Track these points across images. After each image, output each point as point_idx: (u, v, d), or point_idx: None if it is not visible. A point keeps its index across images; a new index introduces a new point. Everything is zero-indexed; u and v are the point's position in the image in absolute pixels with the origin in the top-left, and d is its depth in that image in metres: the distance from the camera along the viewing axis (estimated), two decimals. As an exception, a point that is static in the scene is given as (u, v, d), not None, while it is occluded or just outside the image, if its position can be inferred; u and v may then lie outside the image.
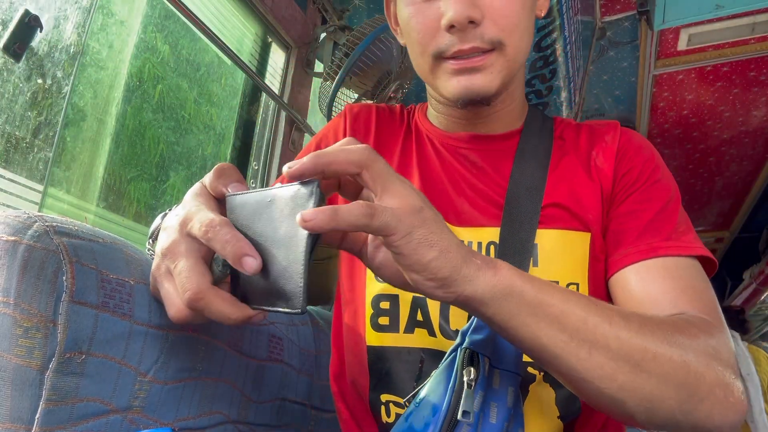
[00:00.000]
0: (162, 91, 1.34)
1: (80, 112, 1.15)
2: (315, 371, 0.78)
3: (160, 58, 1.34)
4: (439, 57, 0.62)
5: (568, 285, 0.63)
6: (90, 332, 0.44)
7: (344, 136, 0.75)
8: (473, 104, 0.65)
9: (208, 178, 0.47)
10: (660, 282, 0.56)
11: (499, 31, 0.61)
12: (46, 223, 0.44)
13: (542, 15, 0.70)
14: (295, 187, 0.41)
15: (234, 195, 0.45)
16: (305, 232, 0.39)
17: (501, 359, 0.55)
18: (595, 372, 0.45)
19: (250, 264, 0.40)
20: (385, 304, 0.65)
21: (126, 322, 0.47)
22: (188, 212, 0.44)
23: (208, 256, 0.44)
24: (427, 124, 0.76)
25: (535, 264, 0.63)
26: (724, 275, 4.38)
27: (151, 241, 0.55)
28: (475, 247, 0.66)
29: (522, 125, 0.73)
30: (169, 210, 0.54)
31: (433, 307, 0.63)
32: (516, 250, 0.62)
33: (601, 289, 0.65)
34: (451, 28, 0.60)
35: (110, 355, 0.46)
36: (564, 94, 1.67)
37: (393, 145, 0.75)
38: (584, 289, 0.63)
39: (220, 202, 0.46)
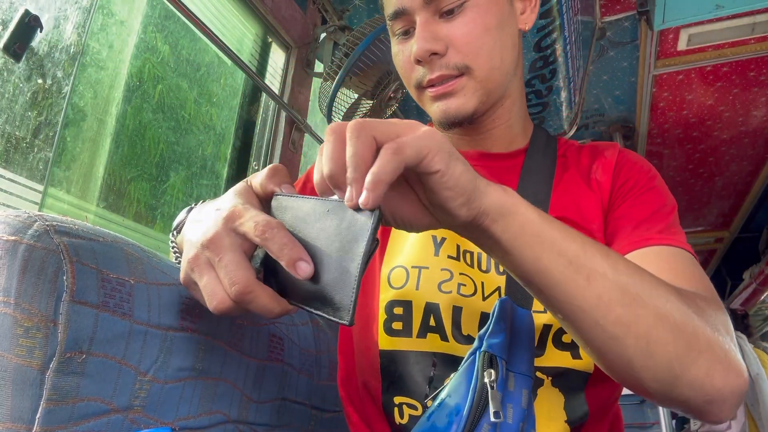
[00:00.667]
0: (162, 91, 1.34)
1: (80, 112, 1.15)
2: (315, 371, 0.78)
3: (160, 58, 1.34)
4: (419, 87, 0.69)
5: None
6: (90, 332, 0.44)
7: None
8: (458, 125, 0.69)
9: (258, 177, 0.48)
10: (655, 267, 0.56)
11: (463, 57, 0.66)
12: (47, 223, 0.44)
13: (527, 28, 0.73)
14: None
15: (285, 196, 0.46)
16: (362, 250, 0.40)
17: (515, 363, 0.56)
18: (593, 301, 0.45)
19: (304, 269, 0.41)
20: (398, 310, 0.67)
21: (126, 322, 0.47)
22: (235, 208, 0.45)
23: (249, 252, 0.45)
24: None
25: None
26: (724, 275, 4.38)
27: (175, 233, 0.57)
28: (484, 257, 0.68)
29: (527, 144, 0.77)
30: (195, 205, 0.56)
31: (446, 312, 0.65)
32: None
33: None
34: (418, 62, 0.67)
35: (110, 354, 0.46)
36: (564, 94, 1.67)
37: None
38: None
39: (263, 203, 0.48)
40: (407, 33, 0.69)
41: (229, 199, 0.47)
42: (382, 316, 0.68)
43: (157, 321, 0.50)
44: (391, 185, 0.40)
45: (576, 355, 0.64)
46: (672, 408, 0.52)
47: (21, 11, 0.93)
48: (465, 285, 0.67)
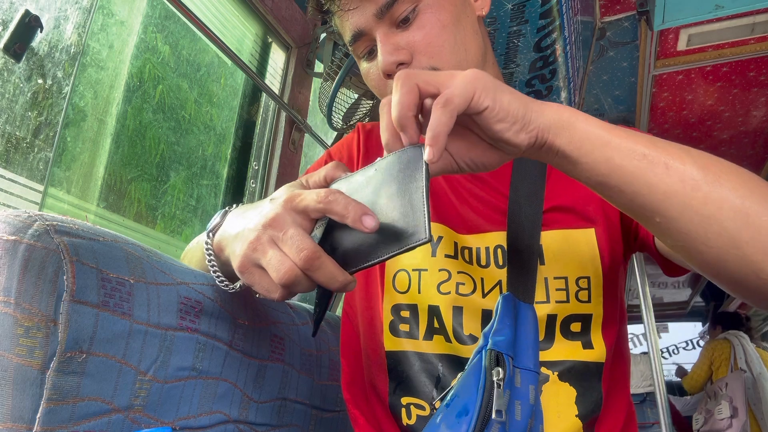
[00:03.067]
0: (162, 91, 1.34)
1: (81, 113, 1.15)
2: (316, 371, 0.78)
3: (161, 58, 1.34)
4: None
5: (577, 279, 0.64)
6: (91, 331, 0.44)
7: (357, 151, 0.80)
8: None
9: (322, 171, 0.53)
10: None
11: (429, 59, 0.65)
12: (47, 222, 0.44)
13: (485, 13, 0.73)
14: (398, 153, 0.48)
15: (342, 179, 0.52)
16: (422, 176, 0.45)
17: (521, 359, 0.57)
18: (677, 185, 0.44)
19: (369, 222, 0.44)
20: (405, 313, 0.68)
21: (126, 321, 0.47)
22: (291, 193, 0.48)
23: (308, 230, 0.48)
24: None
25: (542, 262, 0.65)
26: (724, 275, 4.37)
27: (210, 234, 0.57)
28: (483, 252, 0.68)
29: None
30: (230, 208, 0.58)
31: (446, 314, 0.66)
32: (522, 251, 0.64)
33: (615, 280, 0.66)
34: (388, 76, 0.66)
35: (111, 354, 0.46)
36: (564, 95, 1.67)
37: None
38: (597, 282, 0.65)
39: None
40: (372, 52, 0.69)
41: (283, 190, 0.50)
42: (387, 318, 0.68)
43: (156, 321, 0.50)
44: (452, 135, 0.45)
45: (587, 344, 0.64)
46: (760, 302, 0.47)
47: (21, 11, 0.93)
48: (464, 284, 0.67)
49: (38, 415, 0.41)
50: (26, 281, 0.42)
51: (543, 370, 0.62)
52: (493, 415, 0.50)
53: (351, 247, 0.47)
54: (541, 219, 0.66)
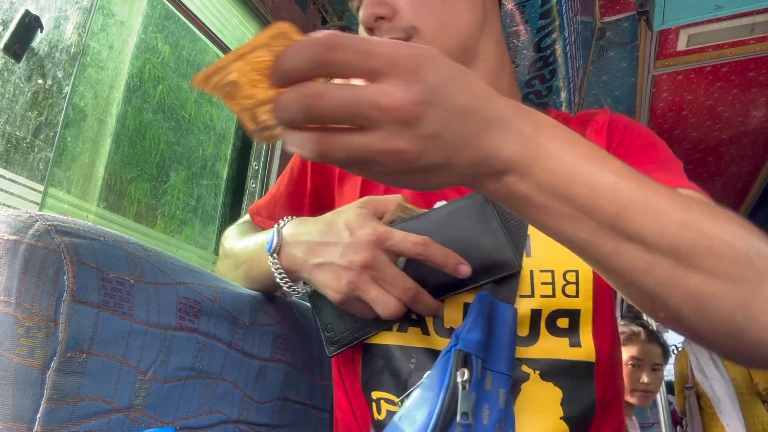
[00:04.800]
0: (162, 91, 1.34)
1: (81, 113, 1.15)
2: (317, 371, 0.78)
3: (161, 58, 1.34)
4: None
5: (565, 273, 0.60)
6: (91, 331, 0.44)
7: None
8: None
9: (378, 203, 0.57)
10: None
11: (410, 18, 0.62)
12: (47, 222, 0.44)
13: None
14: (462, 202, 0.57)
15: (403, 223, 0.58)
16: (493, 215, 0.54)
17: (493, 360, 0.54)
18: (626, 265, 0.38)
19: (465, 270, 0.50)
20: None
21: (126, 321, 0.47)
22: (380, 233, 0.53)
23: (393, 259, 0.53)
24: None
25: (528, 254, 0.61)
26: (724, 275, 4.37)
27: (275, 255, 0.59)
28: None
29: None
30: (282, 224, 0.61)
31: None
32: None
33: (607, 285, 0.62)
34: (369, 30, 0.63)
35: (111, 354, 0.46)
36: (563, 95, 1.67)
37: None
38: (585, 275, 0.60)
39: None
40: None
41: (362, 222, 0.54)
42: None
43: (156, 320, 0.50)
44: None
45: (575, 342, 0.59)
46: (742, 361, 0.44)
47: (21, 11, 0.93)
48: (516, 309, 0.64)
49: (39, 415, 0.41)
50: (27, 281, 0.42)
51: (523, 368, 0.59)
52: (458, 418, 0.48)
53: (440, 281, 0.54)
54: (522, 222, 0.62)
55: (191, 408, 0.54)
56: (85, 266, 0.45)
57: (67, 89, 1.09)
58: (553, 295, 0.59)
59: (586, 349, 0.59)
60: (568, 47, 1.47)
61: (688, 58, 1.98)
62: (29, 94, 1.02)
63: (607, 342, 0.61)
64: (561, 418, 0.58)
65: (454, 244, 0.53)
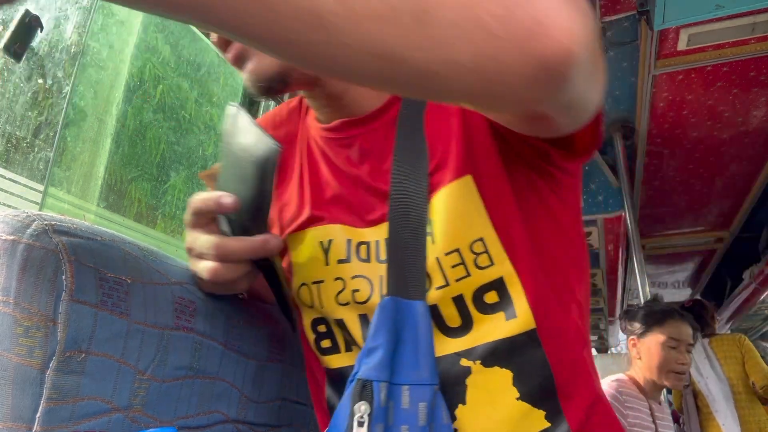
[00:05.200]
0: (162, 91, 1.34)
1: (81, 112, 1.15)
2: (315, 371, 0.78)
3: (161, 58, 1.34)
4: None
5: (471, 245, 0.54)
6: (90, 331, 0.44)
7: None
8: (278, 92, 0.58)
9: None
10: None
11: None
12: (45, 222, 0.45)
13: None
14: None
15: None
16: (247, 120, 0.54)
17: (407, 372, 0.50)
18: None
19: (226, 201, 0.51)
20: (322, 328, 0.62)
21: (124, 321, 0.48)
22: (187, 214, 0.55)
23: (211, 228, 0.54)
24: (312, 120, 0.67)
25: (433, 241, 0.55)
26: (724, 275, 4.38)
27: None
28: (382, 245, 0.58)
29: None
30: None
31: (353, 325, 0.59)
32: (405, 240, 0.55)
33: (518, 234, 0.55)
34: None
35: (109, 353, 0.46)
36: (564, 94, 1.67)
37: (292, 155, 0.69)
38: (491, 239, 0.54)
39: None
40: None
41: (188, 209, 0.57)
42: (310, 335, 0.63)
43: (153, 320, 0.51)
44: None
45: (510, 314, 0.54)
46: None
47: (21, 11, 0.93)
48: (359, 290, 0.58)
49: (38, 415, 0.41)
50: (25, 281, 0.42)
51: (463, 362, 0.54)
52: None
53: (247, 218, 0.53)
54: (426, 189, 0.55)
55: (189, 408, 0.54)
56: (83, 266, 0.45)
57: (67, 89, 1.09)
58: (469, 274, 0.54)
59: (522, 317, 0.54)
60: (568, 47, 1.47)
61: (688, 57, 1.98)
62: (29, 94, 1.03)
63: (546, 300, 0.55)
64: (518, 398, 0.53)
65: (235, 180, 0.54)
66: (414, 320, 0.52)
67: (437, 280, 0.54)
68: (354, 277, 0.59)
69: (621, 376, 1.88)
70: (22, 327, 0.41)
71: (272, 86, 0.57)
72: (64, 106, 1.07)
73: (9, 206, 0.95)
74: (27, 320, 0.41)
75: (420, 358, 0.51)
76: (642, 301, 2.42)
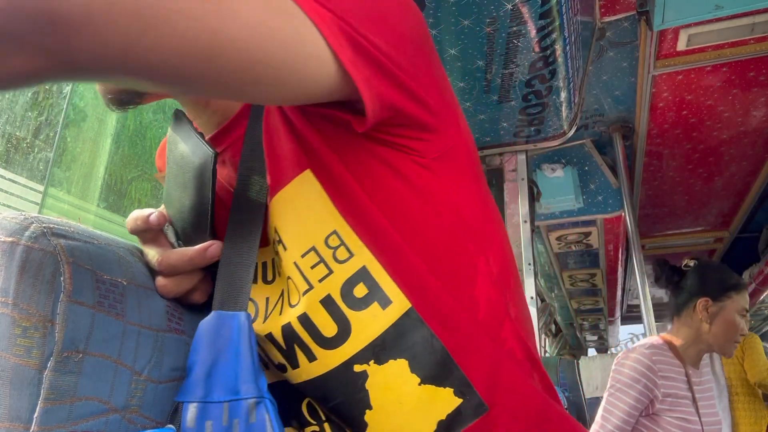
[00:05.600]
0: (162, 91, 1.34)
1: (81, 113, 1.15)
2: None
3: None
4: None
5: (326, 240, 0.52)
6: (87, 331, 0.45)
7: None
8: (125, 104, 0.58)
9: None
10: None
11: None
12: (43, 225, 0.45)
13: None
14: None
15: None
16: (188, 127, 0.55)
17: (225, 390, 0.48)
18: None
19: (155, 218, 0.52)
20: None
21: (120, 322, 0.48)
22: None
23: (160, 242, 0.54)
24: None
25: (285, 247, 0.53)
26: (725, 275, 4.37)
27: None
28: (270, 270, 0.58)
29: None
30: None
31: (264, 344, 0.56)
32: (245, 245, 0.53)
33: (371, 218, 0.52)
34: None
35: (106, 354, 0.46)
36: (564, 95, 1.67)
37: None
38: (344, 229, 0.52)
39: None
40: None
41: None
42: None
43: (148, 322, 0.51)
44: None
45: (385, 302, 0.51)
46: None
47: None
48: (250, 314, 0.56)
49: (35, 415, 0.41)
50: (24, 282, 0.42)
51: (356, 368, 0.51)
52: None
53: (189, 227, 0.53)
54: (266, 194, 0.54)
55: (185, 408, 0.54)
56: (81, 268, 0.45)
57: (67, 89, 1.09)
58: (331, 271, 0.51)
59: (397, 302, 0.51)
60: (568, 47, 1.48)
61: (688, 58, 1.98)
62: (29, 94, 1.03)
63: (419, 276, 0.52)
64: (420, 383, 0.50)
65: (178, 187, 0.54)
66: (236, 332, 0.49)
67: (301, 285, 0.52)
68: (251, 299, 0.57)
69: (655, 340, 1.67)
70: (20, 327, 0.42)
71: (123, 98, 0.57)
72: (64, 106, 1.07)
73: (9, 207, 0.95)
74: (25, 321, 0.42)
75: (239, 372, 0.48)
76: (642, 301, 2.42)
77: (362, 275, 0.51)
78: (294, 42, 0.41)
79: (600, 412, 1.60)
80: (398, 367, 0.50)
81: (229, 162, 0.59)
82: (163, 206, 0.59)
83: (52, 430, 0.42)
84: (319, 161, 0.53)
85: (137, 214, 0.53)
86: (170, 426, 0.50)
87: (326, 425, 0.55)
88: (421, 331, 0.50)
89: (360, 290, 0.51)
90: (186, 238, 0.54)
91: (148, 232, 0.53)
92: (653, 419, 1.55)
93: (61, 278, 0.43)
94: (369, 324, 0.51)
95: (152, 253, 0.52)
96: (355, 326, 0.51)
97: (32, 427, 0.41)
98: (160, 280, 0.52)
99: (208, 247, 0.52)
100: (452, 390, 0.50)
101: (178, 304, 0.56)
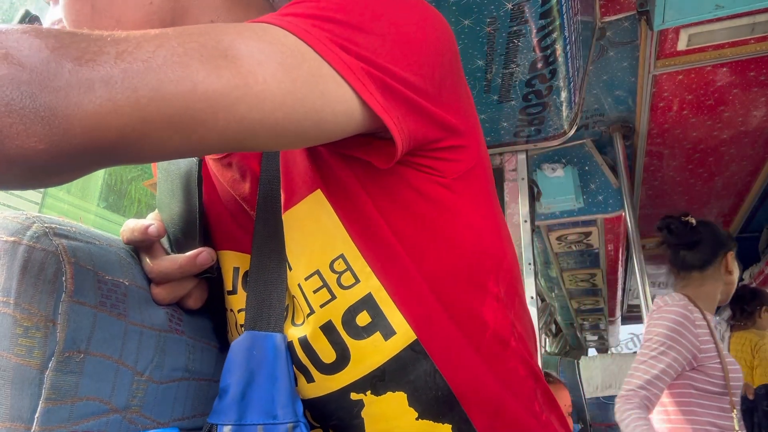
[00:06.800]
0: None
1: (81, 113, 1.15)
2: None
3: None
4: None
5: (331, 264, 0.50)
6: (88, 331, 0.45)
7: None
8: None
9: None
10: None
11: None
12: (45, 225, 0.45)
13: None
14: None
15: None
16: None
17: (260, 413, 0.46)
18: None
19: (152, 230, 0.52)
20: None
21: (122, 322, 0.48)
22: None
23: (153, 249, 0.54)
24: None
25: (290, 267, 0.52)
26: (725, 275, 4.37)
27: None
28: (241, 273, 0.57)
29: None
30: None
31: None
32: (263, 270, 0.51)
33: (382, 243, 0.50)
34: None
35: (108, 354, 0.46)
36: (564, 95, 1.67)
37: None
38: (352, 254, 0.50)
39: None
40: None
41: None
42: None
43: (150, 322, 0.51)
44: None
45: (388, 332, 0.49)
46: None
47: (21, 11, 0.93)
48: (228, 328, 0.57)
49: (37, 415, 0.41)
50: (26, 282, 0.42)
51: (353, 396, 0.50)
52: None
53: (180, 233, 0.54)
54: (280, 211, 0.52)
55: (185, 409, 0.54)
56: (82, 268, 0.45)
57: (68, 89, 1.09)
58: (334, 297, 0.50)
59: (402, 332, 0.49)
60: (568, 47, 1.48)
61: (688, 58, 1.98)
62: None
63: (427, 306, 0.50)
64: (417, 418, 0.50)
65: (168, 194, 0.55)
66: (271, 354, 0.48)
67: (304, 308, 0.50)
68: (240, 310, 0.55)
69: (676, 295, 1.71)
70: (21, 327, 0.41)
71: None
72: (65, 106, 1.06)
73: (9, 206, 0.95)
74: (27, 320, 0.42)
75: (276, 395, 0.47)
76: (642, 301, 2.42)
77: (366, 303, 0.49)
78: (323, 103, 0.41)
79: (636, 363, 1.64)
80: (396, 400, 0.49)
81: (236, 165, 0.56)
82: (156, 213, 0.59)
83: (53, 430, 0.42)
84: (334, 180, 0.51)
85: (133, 225, 0.52)
86: (173, 426, 0.50)
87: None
88: (424, 365, 0.49)
89: (363, 318, 0.49)
90: (178, 244, 0.54)
91: (142, 244, 0.54)
92: (699, 371, 1.61)
93: (63, 278, 0.43)
94: (369, 354, 0.49)
95: (145, 261, 0.53)
96: (355, 355, 0.50)
97: (33, 427, 0.41)
98: (154, 288, 0.53)
99: (198, 254, 0.52)
100: (450, 426, 0.50)
101: (177, 305, 0.56)
